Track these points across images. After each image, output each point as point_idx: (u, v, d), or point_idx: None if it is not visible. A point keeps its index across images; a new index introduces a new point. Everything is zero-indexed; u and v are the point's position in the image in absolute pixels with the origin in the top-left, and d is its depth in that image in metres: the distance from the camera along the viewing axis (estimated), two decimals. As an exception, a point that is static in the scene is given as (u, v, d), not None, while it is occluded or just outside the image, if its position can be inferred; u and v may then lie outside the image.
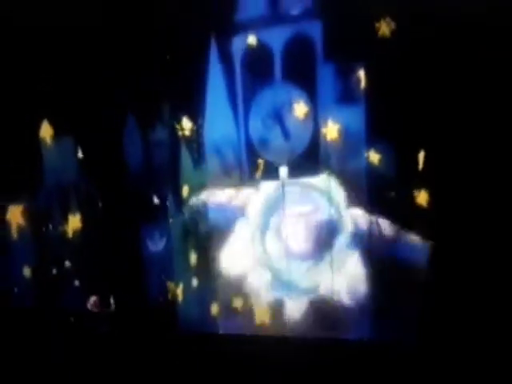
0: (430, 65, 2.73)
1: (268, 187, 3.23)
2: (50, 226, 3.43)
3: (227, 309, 3.36)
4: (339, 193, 3.09)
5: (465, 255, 2.75)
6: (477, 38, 2.63)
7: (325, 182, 3.09)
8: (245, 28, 3.07)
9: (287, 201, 3.19)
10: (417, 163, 2.85)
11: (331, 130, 3.02)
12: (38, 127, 3.31)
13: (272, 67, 3.08)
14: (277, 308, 3.27)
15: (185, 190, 3.34)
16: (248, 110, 3.19)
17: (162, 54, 3.16)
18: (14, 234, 3.45)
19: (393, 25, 2.81)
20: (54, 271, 3.49)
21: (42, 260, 3.48)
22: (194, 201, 3.36)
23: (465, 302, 2.77)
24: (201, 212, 3.33)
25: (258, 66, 3.12)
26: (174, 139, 3.31)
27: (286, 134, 3.14)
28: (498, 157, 2.68)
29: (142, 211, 3.39)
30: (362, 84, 2.91)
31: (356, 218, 3.06)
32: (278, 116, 3.14)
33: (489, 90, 2.65)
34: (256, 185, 3.25)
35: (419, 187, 2.87)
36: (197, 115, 3.25)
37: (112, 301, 3.49)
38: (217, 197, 3.31)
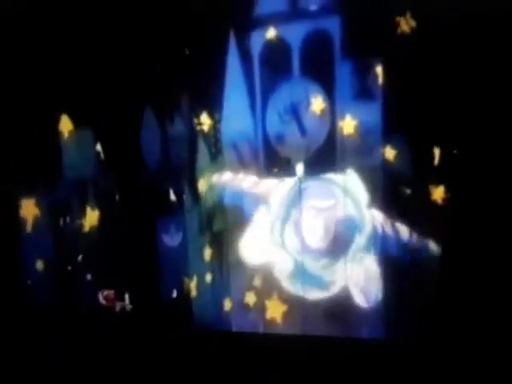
0: (448, 61, 2.74)
1: (285, 183, 3.24)
2: (68, 220, 3.45)
3: (241, 304, 3.38)
4: (360, 191, 3.09)
5: (483, 256, 2.75)
6: (495, 37, 2.63)
7: (346, 180, 3.10)
8: (264, 23, 3.08)
9: (307, 196, 3.20)
10: (434, 160, 2.86)
11: (348, 127, 3.02)
12: (57, 121, 3.34)
13: (290, 63, 3.09)
14: (291, 304, 3.29)
15: (201, 184, 3.36)
16: (265, 105, 3.20)
17: (181, 48, 3.18)
18: (31, 227, 3.47)
19: (412, 22, 2.82)
20: (70, 266, 3.51)
21: (59, 254, 3.50)
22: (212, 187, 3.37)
23: (480, 302, 2.77)
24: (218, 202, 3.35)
25: (276, 62, 3.13)
26: (192, 134, 3.33)
27: (302, 130, 3.15)
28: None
29: (159, 205, 3.40)
30: (380, 80, 2.91)
31: (374, 216, 3.07)
32: (295, 112, 3.14)
33: (507, 87, 2.65)
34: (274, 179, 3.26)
35: (436, 184, 2.88)
36: (215, 110, 3.26)
37: (127, 296, 3.51)
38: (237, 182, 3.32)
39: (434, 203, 2.89)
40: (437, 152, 2.85)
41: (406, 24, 2.83)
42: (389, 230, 3.03)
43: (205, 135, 3.32)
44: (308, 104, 3.10)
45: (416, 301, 2.91)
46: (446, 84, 2.76)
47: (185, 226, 3.42)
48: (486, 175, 2.73)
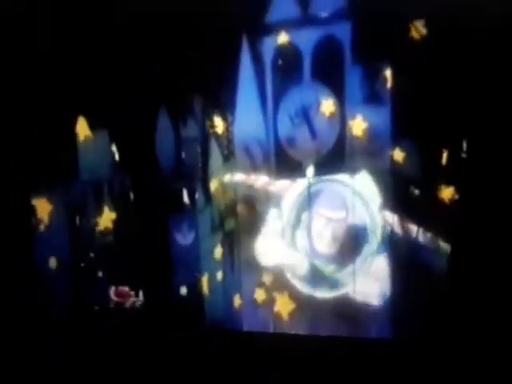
0: (456, 65, 2.79)
1: (296, 186, 3.31)
2: (83, 219, 3.51)
3: (253, 303, 3.44)
4: (371, 193, 3.15)
5: (492, 256, 2.78)
6: (505, 43, 2.67)
7: (357, 181, 3.16)
8: (276, 29, 3.14)
9: (318, 202, 3.26)
10: (442, 162, 2.90)
11: (357, 128, 3.08)
12: (73, 123, 3.41)
13: (301, 67, 3.15)
14: (301, 305, 3.34)
15: (213, 185, 3.43)
16: (277, 108, 3.26)
17: (195, 52, 3.23)
18: (47, 226, 3.51)
19: (421, 27, 2.87)
20: (83, 264, 3.56)
21: (73, 253, 3.54)
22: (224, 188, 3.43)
23: (488, 302, 2.80)
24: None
25: (287, 66, 3.19)
26: (205, 136, 3.40)
27: (313, 133, 3.20)
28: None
29: (172, 205, 3.47)
30: (389, 85, 2.97)
31: (385, 218, 3.11)
32: (306, 115, 3.20)
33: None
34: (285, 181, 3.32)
35: (445, 186, 2.92)
36: (228, 112, 3.33)
37: (140, 293, 3.56)
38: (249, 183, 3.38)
39: (443, 204, 2.93)
40: (445, 154, 2.90)
41: (415, 30, 2.88)
42: (399, 231, 3.07)
43: (217, 137, 3.39)
44: (318, 107, 3.16)
45: (425, 301, 2.95)
46: (454, 88, 2.80)
47: (197, 225, 3.48)
48: (494, 176, 2.76)
